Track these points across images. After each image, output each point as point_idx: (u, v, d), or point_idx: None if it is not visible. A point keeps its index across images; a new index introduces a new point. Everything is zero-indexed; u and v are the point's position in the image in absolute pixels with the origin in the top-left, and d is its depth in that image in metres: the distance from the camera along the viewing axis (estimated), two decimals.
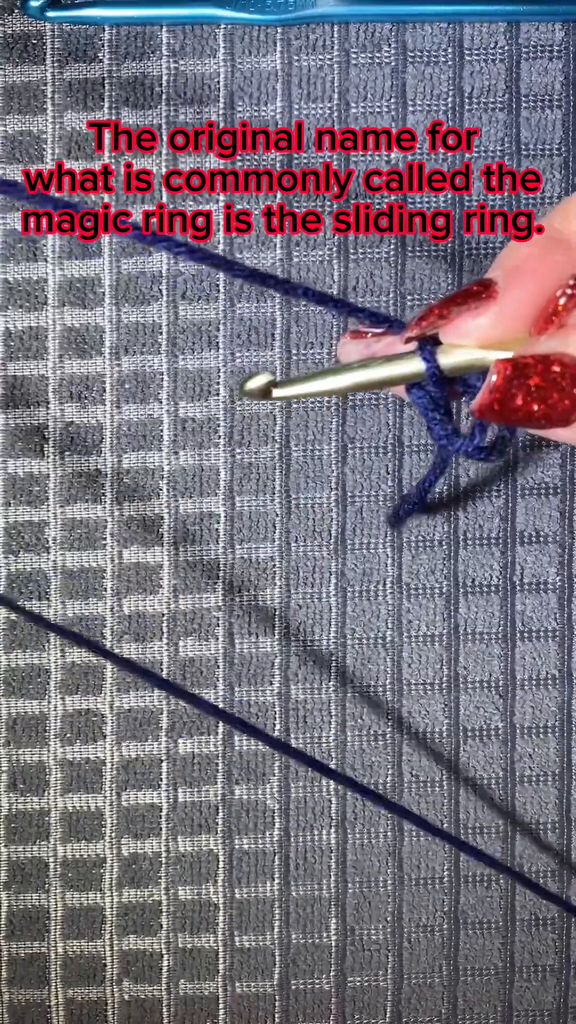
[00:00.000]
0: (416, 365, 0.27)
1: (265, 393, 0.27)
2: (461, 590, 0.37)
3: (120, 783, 0.37)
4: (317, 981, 0.38)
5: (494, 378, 0.25)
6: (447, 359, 0.26)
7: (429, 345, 0.26)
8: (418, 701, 0.37)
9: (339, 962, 0.38)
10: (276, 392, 0.27)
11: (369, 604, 0.37)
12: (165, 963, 0.38)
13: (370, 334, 0.29)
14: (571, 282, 0.25)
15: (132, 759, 0.37)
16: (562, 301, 0.25)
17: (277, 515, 0.37)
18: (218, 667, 0.37)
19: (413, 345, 0.27)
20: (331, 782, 0.37)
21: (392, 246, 0.36)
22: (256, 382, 0.27)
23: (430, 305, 0.26)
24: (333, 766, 0.37)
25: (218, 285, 0.36)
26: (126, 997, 0.37)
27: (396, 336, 0.28)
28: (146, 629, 0.37)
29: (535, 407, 0.25)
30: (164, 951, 0.38)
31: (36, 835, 0.37)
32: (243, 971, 0.38)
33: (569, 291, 0.25)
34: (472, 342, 0.26)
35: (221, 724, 0.37)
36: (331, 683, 0.37)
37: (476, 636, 0.37)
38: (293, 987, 0.38)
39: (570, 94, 0.36)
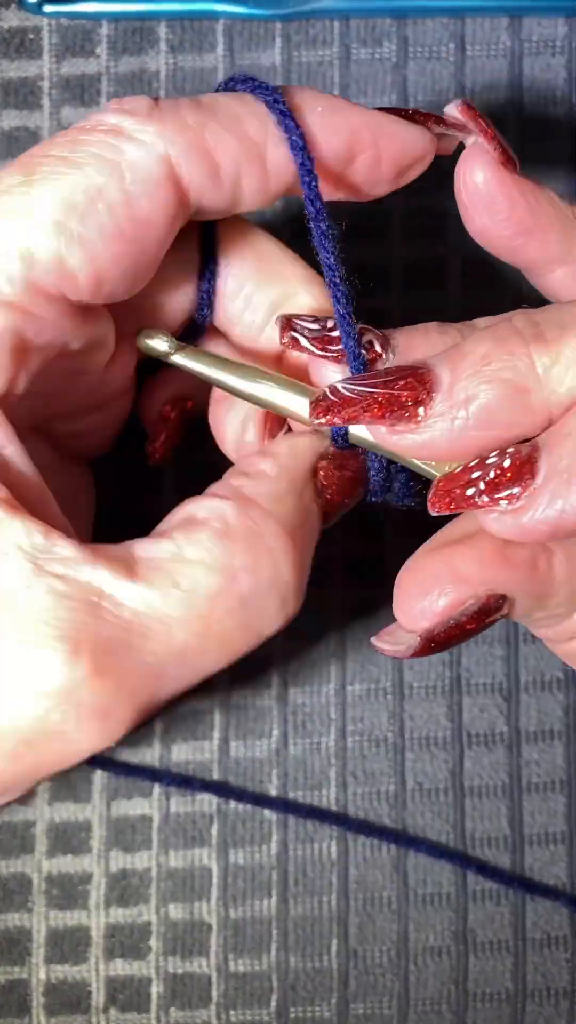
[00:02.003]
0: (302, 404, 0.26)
1: (165, 354, 0.27)
2: None
3: (109, 792, 0.35)
4: (318, 1008, 0.35)
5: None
6: (359, 432, 0.26)
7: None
8: (420, 704, 0.36)
9: (341, 988, 0.35)
10: (176, 358, 0.27)
11: (370, 606, 0.36)
12: (155, 989, 0.35)
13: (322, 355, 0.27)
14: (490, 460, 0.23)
15: (123, 764, 0.35)
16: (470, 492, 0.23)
17: None
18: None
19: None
20: (331, 792, 0.35)
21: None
22: (158, 343, 0.26)
23: (335, 396, 0.24)
24: (333, 772, 0.36)
25: None
26: None
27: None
28: None
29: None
30: (154, 976, 0.35)
31: (20, 848, 0.35)
32: (238, 998, 0.35)
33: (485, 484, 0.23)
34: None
35: (216, 730, 0.35)
36: (331, 686, 0.36)
37: (478, 637, 0.36)
38: (292, 1015, 0.35)
39: (573, 90, 0.36)
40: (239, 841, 0.35)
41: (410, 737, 0.36)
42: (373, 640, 0.26)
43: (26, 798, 0.35)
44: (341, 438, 0.26)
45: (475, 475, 0.23)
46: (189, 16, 0.36)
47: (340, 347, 0.25)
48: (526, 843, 0.36)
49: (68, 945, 0.35)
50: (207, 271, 0.28)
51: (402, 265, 0.36)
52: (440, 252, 0.36)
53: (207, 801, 0.35)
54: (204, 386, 0.29)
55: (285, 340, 0.26)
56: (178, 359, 0.27)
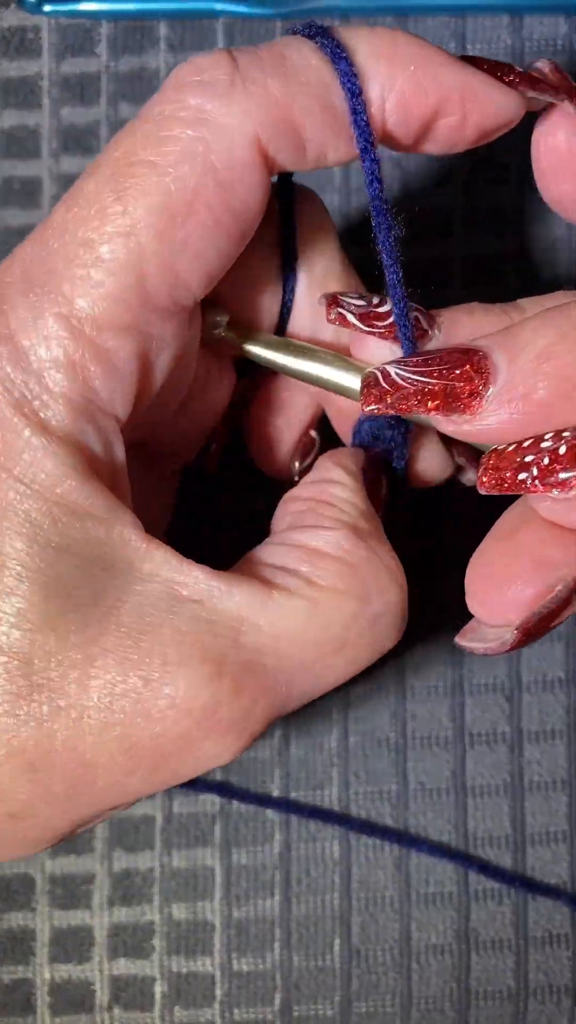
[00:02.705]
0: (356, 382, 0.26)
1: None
2: None
3: None
4: (321, 1007, 0.35)
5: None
6: (257, 350, 0.26)
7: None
8: (422, 704, 0.36)
9: (344, 986, 0.35)
10: (252, 348, 0.27)
11: None
12: (158, 988, 0.35)
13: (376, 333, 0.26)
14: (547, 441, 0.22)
15: None
16: (522, 477, 0.22)
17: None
18: None
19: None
20: (334, 792, 0.36)
21: None
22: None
23: (404, 392, 0.23)
24: (335, 772, 0.36)
25: None
26: None
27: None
28: None
29: None
30: (157, 975, 0.35)
31: None
32: (242, 997, 0.35)
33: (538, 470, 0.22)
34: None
35: None
36: None
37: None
38: (296, 1013, 0.35)
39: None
40: (242, 841, 0.35)
41: (412, 737, 0.36)
42: (458, 640, 0.25)
43: None
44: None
45: (528, 458, 0.22)
46: (189, 15, 0.36)
47: (387, 323, 0.25)
48: (528, 842, 0.36)
49: (72, 945, 0.35)
50: (289, 279, 0.27)
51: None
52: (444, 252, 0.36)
53: (210, 801, 0.35)
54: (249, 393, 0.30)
55: (332, 317, 0.25)
56: (254, 349, 0.27)
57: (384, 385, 0.23)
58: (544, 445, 0.22)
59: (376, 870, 0.36)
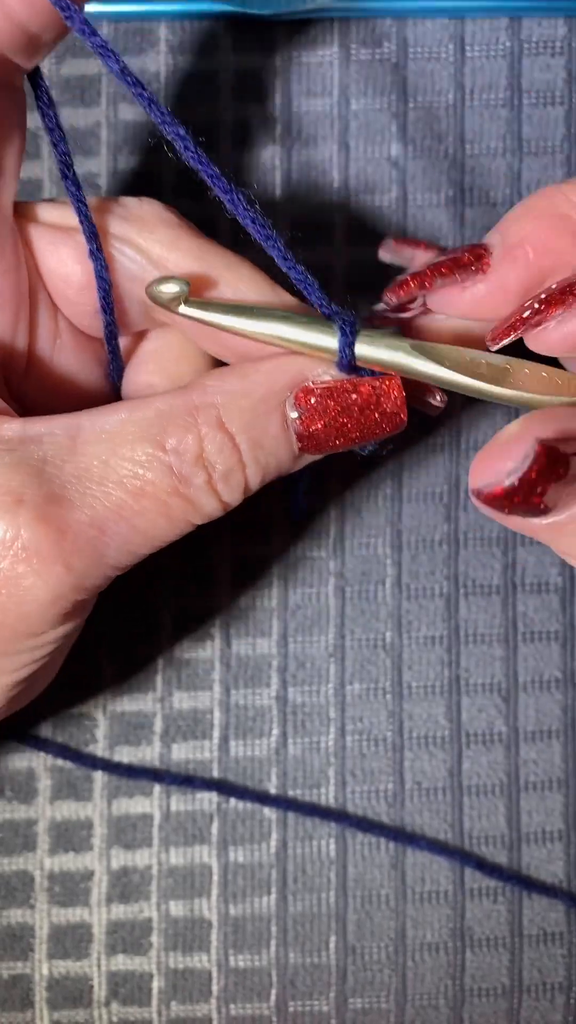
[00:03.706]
0: (331, 341, 0.25)
1: (172, 302, 0.25)
2: (461, 591, 0.36)
3: (110, 791, 0.35)
4: (316, 1003, 0.36)
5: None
6: (366, 349, 0.25)
7: (350, 326, 0.25)
8: (419, 704, 0.36)
9: (339, 983, 0.36)
10: (184, 309, 0.25)
11: (368, 605, 0.36)
12: (156, 984, 0.35)
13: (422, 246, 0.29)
14: (552, 287, 0.25)
15: (123, 766, 0.35)
16: (526, 314, 0.25)
17: (275, 518, 0.36)
18: (215, 669, 0.36)
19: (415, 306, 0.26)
20: (330, 790, 0.36)
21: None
22: (168, 287, 0.25)
23: (414, 271, 0.26)
24: (332, 771, 0.36)
25: None
26: (115, 1020, 0.35)
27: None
28: (143, 631, 0.36)
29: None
30: (155, 971, 0.35)
31: (22, 846, 0.35)
32: (238, 992, 0.36)
33: (537, 304, 0.25)
34: (457, 314, 0.26)
35: (216, 730, 0.36)
36: (330, 686, 0.36)
37: (477, 638, 0.36)
38: (291, 1009, 0.36)
39: (572, 91, 0.36)
40: (239, 839, 0.36)
41: (408, 736, 0.36)
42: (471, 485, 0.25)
43: (28, 796, 0.35)
44: (348, 354, 0.25)
45: (529, 300, 0.25)
46: (189, 17, 0.36)
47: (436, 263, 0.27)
48: (523, 841, 0.36)
49: (70, 941, 0.35)
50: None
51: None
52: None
53: (207, 799, 0.36)
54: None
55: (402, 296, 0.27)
56: (186, 311, 0.26)
57: (404, 277, 0.26)
58: (544, 288, 0.25)
59: (372, 868, 0.36)
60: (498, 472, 0.23)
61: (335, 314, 0.25)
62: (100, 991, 0.35)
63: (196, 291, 0.27)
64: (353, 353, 0.25)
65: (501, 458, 0.23)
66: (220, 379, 0.25)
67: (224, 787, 0.35)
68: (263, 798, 0.35)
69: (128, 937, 0.35)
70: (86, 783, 0.35)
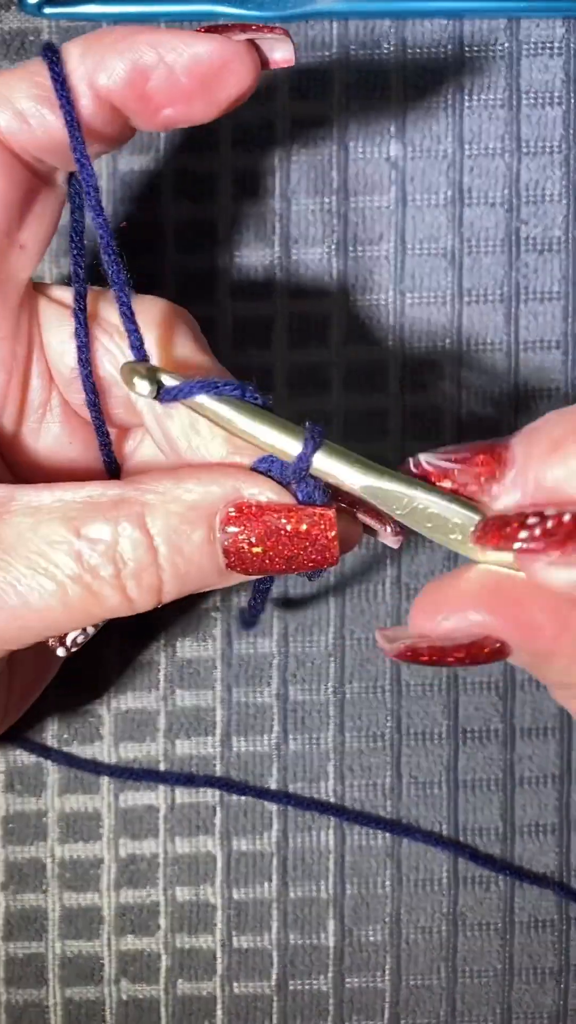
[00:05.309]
0: (294, 446, 0.25)
1: (149, 386, 0.25)
2: None
3: (117, 784, 0.37)
4: (315, 982, 0.38)
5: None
6: (326, 463, 0.25)
7: (319, 437, 0.25)
8: (417, 702, 0.37)
9: (337, 963, 0.38)
10: (162, 403, 0.25)
11: (368, 604, 0.37)
12: (163, 963, 0.38)
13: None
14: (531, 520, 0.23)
15: (130, 760, 0.37)
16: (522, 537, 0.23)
17: None
18: (216, 668, 0.37)
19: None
20: (329, 785, 0.37)
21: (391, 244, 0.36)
22: (142, 385, 0.25)
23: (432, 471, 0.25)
24: (331, 767, 0.37)
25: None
26: (124, 997, 0.37)
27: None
28: (143, 630, 0.37)
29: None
30: (162, 951, 0.38)
31: (34, 836, 0.37)
32: (241, 971, 0.38)
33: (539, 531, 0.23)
34: None
35: (218, 727, 0.37)
36: (329, 684, 0.37)
37: None
38: (291, 988, 0.38)
39: (570, 91, 0.35)
40: (241, 830, 0.37)
41: (407, 733, 0.37)
42: (377, 631, 0.26)
43: (37, 789, 0.37)
44: (306, 463, 0.25)
45: (532, 520, 0.23)
46: (189, 18, 0.36)
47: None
48: (516, 834, 0.37)
49: (82, 923, 0.37)
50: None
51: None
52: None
53: (210, 792, 0.37)
54: None
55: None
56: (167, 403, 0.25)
57: (414, 471, 0.25)
58: (549, 512, 0.23)
59: (369, 858, 0.37)
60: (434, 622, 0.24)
61: (309, 427, 0.25)
62: (110, 969, 0.37)
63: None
64: (310, 461, 0.25)
65: (438, 611, 0.24)
66: (155, 479, 0.25)
67: (226, 784, 0.37)
68: (264, 793, 0.37)
69: (136, 919, 0.37)
70: (93, 777, 0.37)
